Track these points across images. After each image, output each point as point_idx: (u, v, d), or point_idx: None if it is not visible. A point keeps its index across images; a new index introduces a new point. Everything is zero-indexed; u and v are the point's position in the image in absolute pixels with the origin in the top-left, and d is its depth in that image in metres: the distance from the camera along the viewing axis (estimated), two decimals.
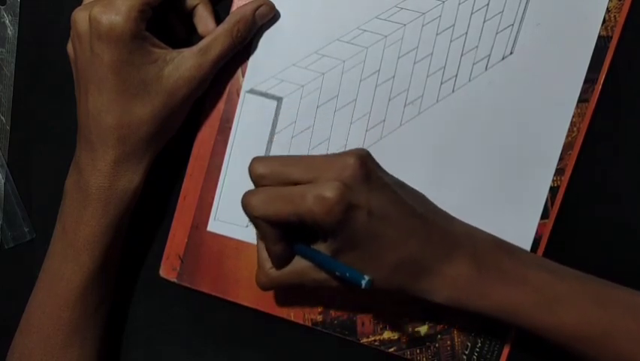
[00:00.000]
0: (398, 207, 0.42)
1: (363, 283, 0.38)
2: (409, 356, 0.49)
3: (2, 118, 0.51)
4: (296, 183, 0.41)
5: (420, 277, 0.42)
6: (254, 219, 0.42)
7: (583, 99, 0.46)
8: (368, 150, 0.43)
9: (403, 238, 0.42)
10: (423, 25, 0.47)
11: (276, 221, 0.41)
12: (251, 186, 0.43)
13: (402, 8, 0.47)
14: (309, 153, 0.48)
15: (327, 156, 0.43)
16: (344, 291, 0.43)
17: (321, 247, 0.42)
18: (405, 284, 0.43)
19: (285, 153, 0.48)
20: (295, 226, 0.41)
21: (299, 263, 0.44)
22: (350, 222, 0.40)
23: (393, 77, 0.47)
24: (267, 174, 0.42)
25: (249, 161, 0.43)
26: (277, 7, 0.47)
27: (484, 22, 0.47)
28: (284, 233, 0.42)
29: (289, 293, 0.49)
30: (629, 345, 0.42)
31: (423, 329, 0.49)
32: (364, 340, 0.49)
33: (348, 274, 0.39)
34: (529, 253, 0.46)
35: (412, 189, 0.45)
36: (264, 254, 0.44)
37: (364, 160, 0.41)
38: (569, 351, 0.43)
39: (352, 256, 0.42)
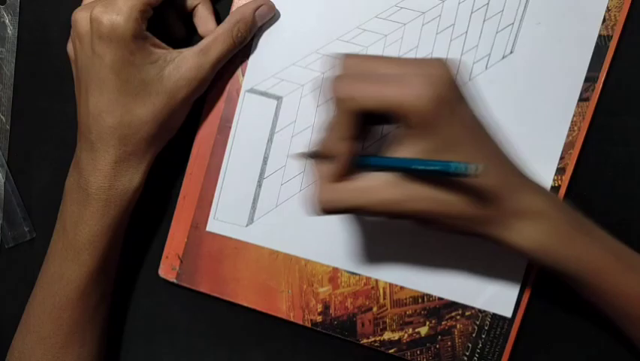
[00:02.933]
0: (483, 123, 0.39)
1: (473, 168, 0.33)
2: (409, 357, 0.49)
3: (2, 118, 0.51)
4: None
5: (514, 200, 0.39)
6: (337, 101, 0.38)
7: (583, 98, 0.46)
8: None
9: (496, 150, 0.39)
10: (423, 25, 0.47)
11: (361, 106, 0.37)
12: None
13: (402, 7, 0.47)
14: None
15: (415, 58, 0.40)
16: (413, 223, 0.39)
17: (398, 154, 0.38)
18: (499, 208, 0.39)
19: (285, 153, 0.48)
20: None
21: (364, 181, 0.39)
22: (447, 121, 0.37)
23: None
24: (356, 63, 0.39)
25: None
26: (277, 7, 0.47)
27: (484, 21, 0.47)
28: (356, 133, 0.38)
29: (290, 294, 0.49)
30: None
31: (423, 330, 0.49)
32: (364, 341, 0.49)
33: (452, 167, 0.33)
34: None
35: None
36: (325, 170, 0.40)
37: (452, 69, 0.38)
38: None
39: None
